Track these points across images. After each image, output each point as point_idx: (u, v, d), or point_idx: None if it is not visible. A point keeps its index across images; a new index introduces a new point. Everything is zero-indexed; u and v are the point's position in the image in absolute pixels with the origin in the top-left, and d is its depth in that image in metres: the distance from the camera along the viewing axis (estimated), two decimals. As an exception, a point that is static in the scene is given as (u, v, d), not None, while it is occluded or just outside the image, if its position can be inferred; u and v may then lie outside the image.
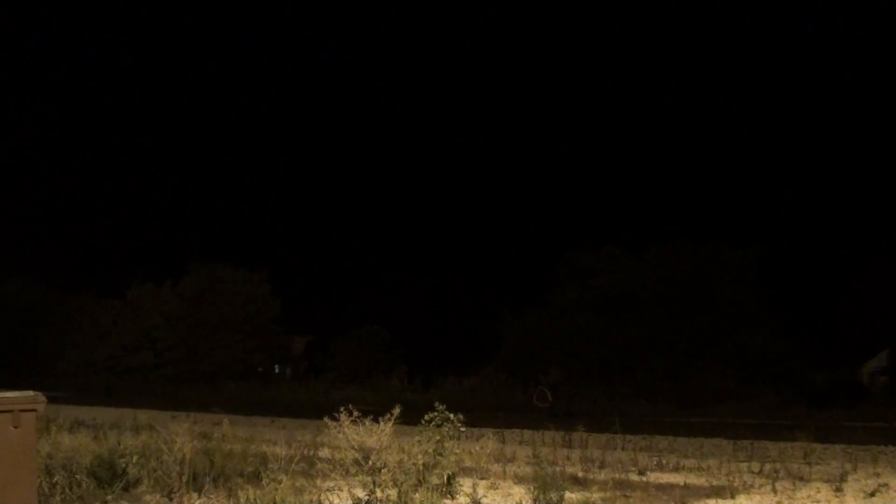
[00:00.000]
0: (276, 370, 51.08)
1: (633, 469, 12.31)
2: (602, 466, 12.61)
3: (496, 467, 12.19)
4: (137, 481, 10.05)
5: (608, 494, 10.24)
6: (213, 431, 13.45)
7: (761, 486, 10.96)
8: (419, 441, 9.89)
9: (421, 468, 9.61)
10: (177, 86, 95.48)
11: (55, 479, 9.57)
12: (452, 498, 9.77)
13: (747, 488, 10.78)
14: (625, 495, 10.29)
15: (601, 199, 76.81)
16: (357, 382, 39.81)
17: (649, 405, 29.28)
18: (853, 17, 72.01)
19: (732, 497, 10.20)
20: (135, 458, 10.28)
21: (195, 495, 9.77)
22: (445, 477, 9.80)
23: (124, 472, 10.05)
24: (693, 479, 11.53)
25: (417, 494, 9.07)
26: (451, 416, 10.03)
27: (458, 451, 10.17)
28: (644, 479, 11.60)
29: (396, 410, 9.72)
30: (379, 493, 9.14)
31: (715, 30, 79.17)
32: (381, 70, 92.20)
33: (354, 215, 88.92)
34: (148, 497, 9.77)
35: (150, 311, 49.70)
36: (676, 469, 12.67)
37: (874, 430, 19.51)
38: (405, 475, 9.23)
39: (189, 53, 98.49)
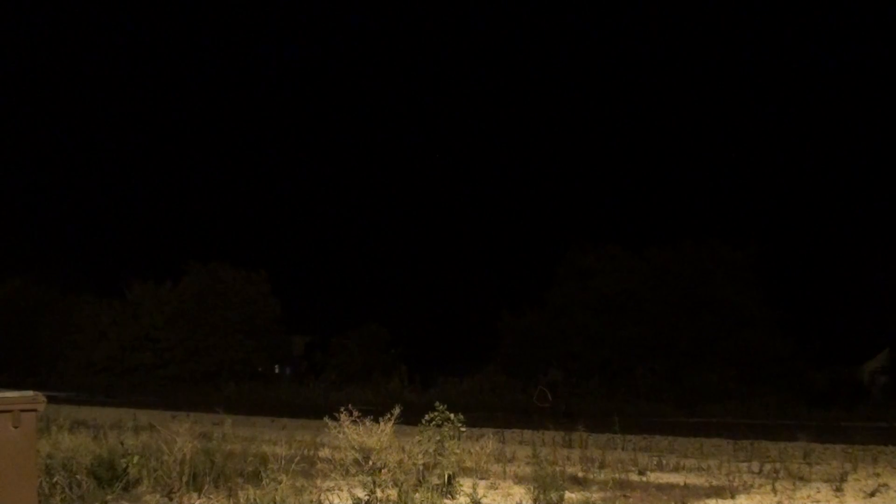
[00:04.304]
0: (276, 370, 51.09)
1: (633, 469, 12.31)
2: (602, 466, 12.61)
3: (496, 467, 12.19)
4: (137, 481, 10.05)
5: (608, 494, 10.24)
6: (214, 431, 13.46)
7: (761, 486, 10.96)
8: (419, 441, 9.89)
9: (421, 468, 9.62)
10: (177, 86, 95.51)
11: (55, 479, 9.57)
12: (452, 498, 9.77)
13: (747, 488, 10.79)
14: (625, 495, 10.29)
15: (601, 199, 76.80)
16: (357, 382, 39.83)
17: (649, 405, 29.29)
18: (853, 16, 72.03)
19: (732, 497, 10.21)
20: (135, 458, 10.27)
21: (195, 495, 9.77)
22: (445, 477, 9.80)
23: (124, 472, 10.04)
24: (693, 479, 11.54)
25: (417, 494, 9.07)
26: (451, 416, 10.03)
27: (458, 451, 10.17)
28: (644, 479, 11.61)
29: (396, 410, 9.72)
30: (379, 493, 9.14)
31: (714, 29, 79.19)
32: (380, 69, 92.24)
33: (354, 215, 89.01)
34: (148, 497, 9.76)
35: (150, 311, 49.70)
36: (676, 469, 12.68)
37: (874, 430, 19.53)
38: (405, 475, 9.23)
39: (189, 53, 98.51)
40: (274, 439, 14.63)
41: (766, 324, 34.81)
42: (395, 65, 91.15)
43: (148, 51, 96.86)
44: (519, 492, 10.33)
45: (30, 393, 6.72)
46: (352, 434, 9.64)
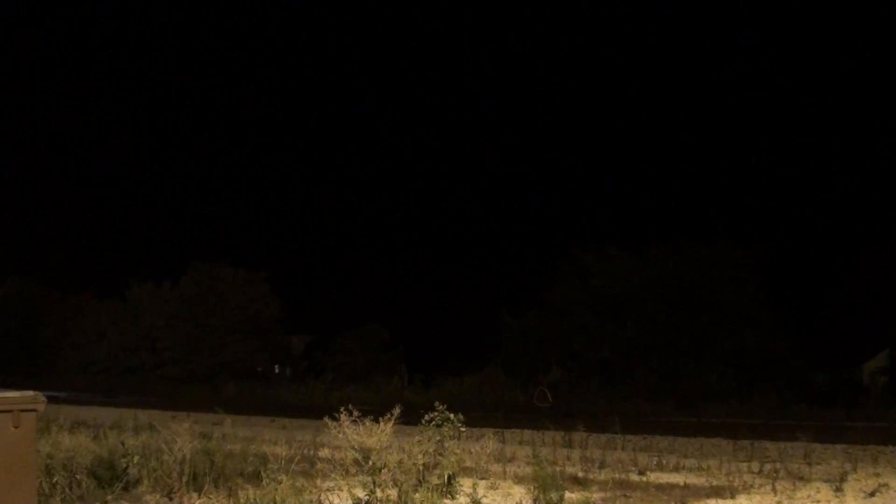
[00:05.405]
0: (276, 370, 51.06)
1: (633, 469, 12.31)
2: (602, 466, 12.61)
3: (496, 467, 12.19)
4: (137, 481, 10.05)
5: (608, 494, 10.25)
6: (214, 431, 13.46)
7: (761, 486, 10.96)
8: (419, 441, 9.89)
9: (421, 468, 9.62)
10: (177, 85, 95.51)
11: (55, 479, 9.56)
12: (452, 498, 9.77)
13: (747, 488, 10.79)
14: (625, 495, 10.29)
15: (601, 199, 76.76)
16: (357, 382, 39.81)
17: (649, 405, 29.29)
18: (853, 16, 72.02)
19: (732, 497, 10.21)
20: (135, 458, 10.27)
21: (195, 495, 9.77)
22: (445, 477, 9.80)
23: (124, 472, 10.04)
24: (693, 479, 11.54)
25: (417, 494, 9.07)
26: (452, 416, 10.03)
27: (458, 451, 10.17)
28: (644, 479, 11.60)
29: (396, 410, 9.72)
30: (379, 493, 9.14)
31: (715, 30, 79.18)
32: (380, 68, 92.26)
33: (354, 215, 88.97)
34: (148, 497, 9.76)
35: (150, 311, 49.68)
36: (676, 469, 12.67)
37: (874, 430, 19.52)
38: (405, 475, 9.23)
39: (189, 53, 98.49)
40: (274, 439, 14.63)
41: (766, 324, 34.80)
42: (395, 64, 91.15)
43: (148, 51, 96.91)
44: (519, 492, 10.33)
45: (30, 393, 6.72)
46: (352, 434, 9.64)
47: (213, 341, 48.48)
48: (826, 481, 11.15)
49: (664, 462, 13.22)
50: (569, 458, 13.53)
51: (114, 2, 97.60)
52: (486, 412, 24.12)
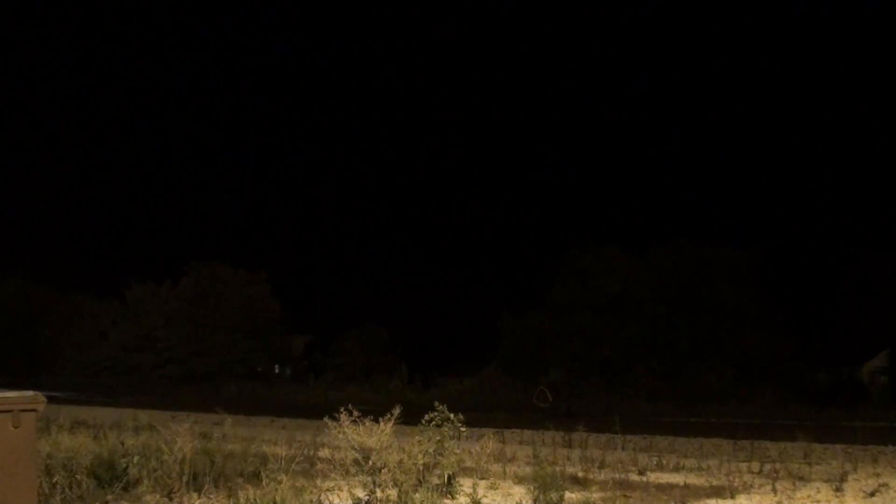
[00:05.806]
0: (276, 370, 51.06)
1: (633, 469, 12.31)
2: (602, 466, 12.61)
3: (496, 467, 12.18)
4: (137, 481, 10.03)
5: (608, 494, 10.24)
6: (214, 431, 13.45)
7: (761, 486, 10.96)
8: (419, 441, 9.88)
9: (421, 468, 9.61)
10: (177, 86, 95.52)
11: (55, 479, 9.55)
12: (452, 498, 9.76)
13: (747, 488, 10.78)
14: (625, 495, 10.28)
15: (601, 199, 76.81)
16: (357, 382, 39.83)
17: (649, 405, 29.31)
18: (852, 16, 72.02)
19: (732, 497, 10.20)
20: (135, 458, 10.26)
21: (195, 495, 9.76)
22: (445, 477, 9.79)
23: (124, 472, 10.03)
24: (693, 479, 11.53)
25: (417, 494, 9.06)
26: (452, 416, 10.02)
27: (458, 451, 10.16)
28: (644, 479, 11.60)
29: (396, 410, 9.71)
30: (379, 493, 9.14)
31: (714, 30, 79.21)
32: (381, 69, 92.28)
33: (354, 215, 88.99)
34: (148, 497, 9.75)
35: (150, 311, 49.68)
36: (676, 469, 12.68)
37: (874, 430, 19.53)
38: (405, 475, 9.22)
39: (190, 54, 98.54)
40: (274, 439, 14.62)
41: (765, 324, 34.81)
42: (396, 65, 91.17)
43: (148, 51, 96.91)
44: (519, 492, 10.33)
45: (30, 393, 6.70)
46: (352, 434, 9.63)
47: (213, 341, 48.48)
48: (826, 481, 11.15)
49: (664, 462, 13.22)
50: (569, 458, 13.53)
51: (114, 2, 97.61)
52: (486, 412, 24.15)
